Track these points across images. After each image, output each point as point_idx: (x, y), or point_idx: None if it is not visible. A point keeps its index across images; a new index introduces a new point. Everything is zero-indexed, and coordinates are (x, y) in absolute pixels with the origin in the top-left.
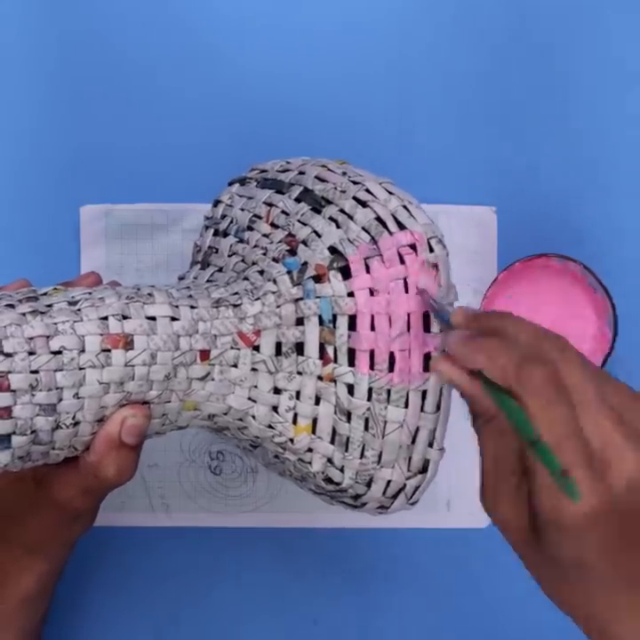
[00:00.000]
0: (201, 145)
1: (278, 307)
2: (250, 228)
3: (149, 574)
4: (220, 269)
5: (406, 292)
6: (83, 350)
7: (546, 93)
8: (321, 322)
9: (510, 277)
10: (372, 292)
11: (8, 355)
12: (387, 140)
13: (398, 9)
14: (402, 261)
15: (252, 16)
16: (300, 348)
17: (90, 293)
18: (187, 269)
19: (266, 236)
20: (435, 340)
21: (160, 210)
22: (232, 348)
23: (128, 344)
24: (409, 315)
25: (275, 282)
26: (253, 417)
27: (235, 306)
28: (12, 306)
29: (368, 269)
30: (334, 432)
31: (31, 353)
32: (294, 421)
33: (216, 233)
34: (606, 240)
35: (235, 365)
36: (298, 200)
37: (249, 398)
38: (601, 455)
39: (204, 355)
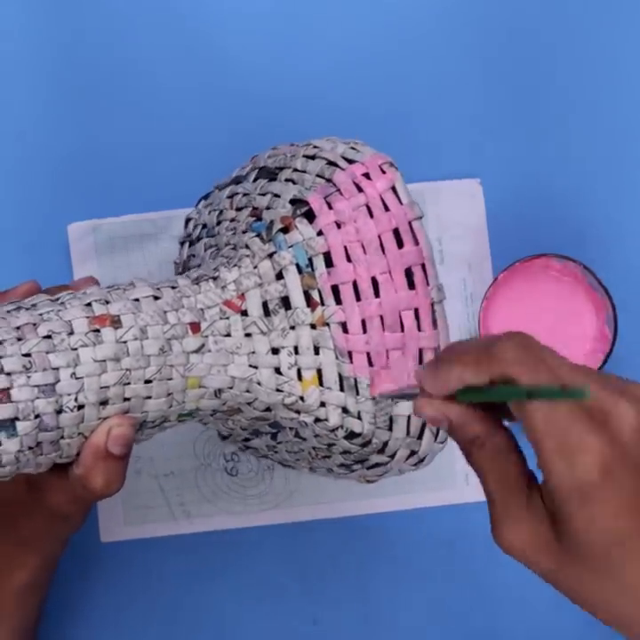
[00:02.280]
0: (181, 150)
1: (255, 267)
2: (218, 223)
3: (150, 577)
4: (199, 266)
5: (371, 216)
6: (71, 332)
7: (546, 93)
8: (299, 269)
9: (510, 277)
10: (339, 225)
11: None
12: (384, 136)
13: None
14: (360, 190)
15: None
16: (286, 302)
17: (72, 293)
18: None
19: (233, 220)
20: (409, 255)
21: (147, 219)
22: (221, 318)
23: (115, 322)
24: (380, 236)
25: (247, 246)
26: (259, 383)
27: (214, 278)
28: None
29: (330, 206)
30: (341, 378)
31: (19, 339)
32: (300, 377)
33: (191, 244)
34: (606, 240)
35: (228, 334)
36: (255, 179)
37: (250, 365)
38: (596, 409)
39: (195, 327)
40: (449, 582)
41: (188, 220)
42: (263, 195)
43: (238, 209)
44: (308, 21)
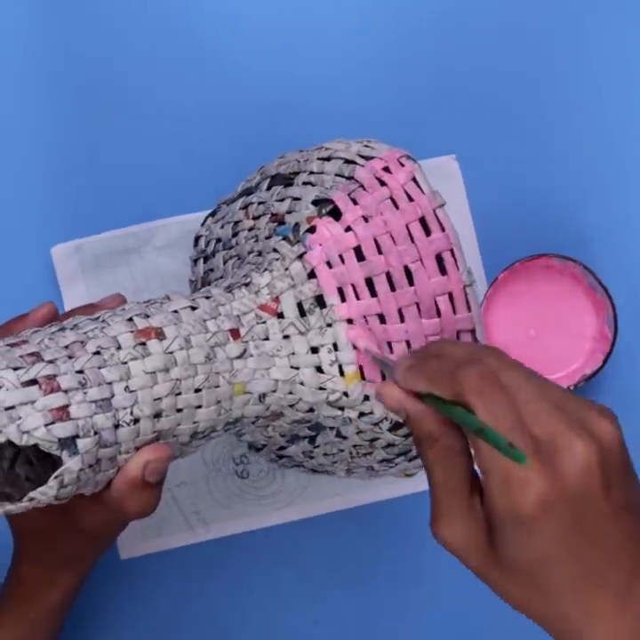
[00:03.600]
0: (158, 162)
1: (286, 269)
2: (235, 235)
3: (149, 582)
4: (221, 278)
5: (397, 208)
6: (119, 347)
7: (547, 93)
8: (330, 267)
9: (510, 277)
10: (366, 220)
11: (50, 362)
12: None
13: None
14: (382, 183)
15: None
16: (320, 301)
17: (110, 311)
18: (168, 287)
19: (251, 229)
20: (438, 241)
21: (129, 233)
22: (258, 322)
23: (159, 334)
24: (407, 226)
25: (275, 250)
26: (301, 383)
27: (246, 285)
28: (37, 331)
29: (355, 202)
30: (382, 373)
31: (70, 357)
32: (341, 373)
33: (205, 259)
34: (607, 240)
35: (267, 338)
36: (269, 187)
37: (291, 366)
38: (548, 446)
39: (235, 333)
40: (449, 582)
41: (197, 238)
42: (281, 200)
43: (255, 217)
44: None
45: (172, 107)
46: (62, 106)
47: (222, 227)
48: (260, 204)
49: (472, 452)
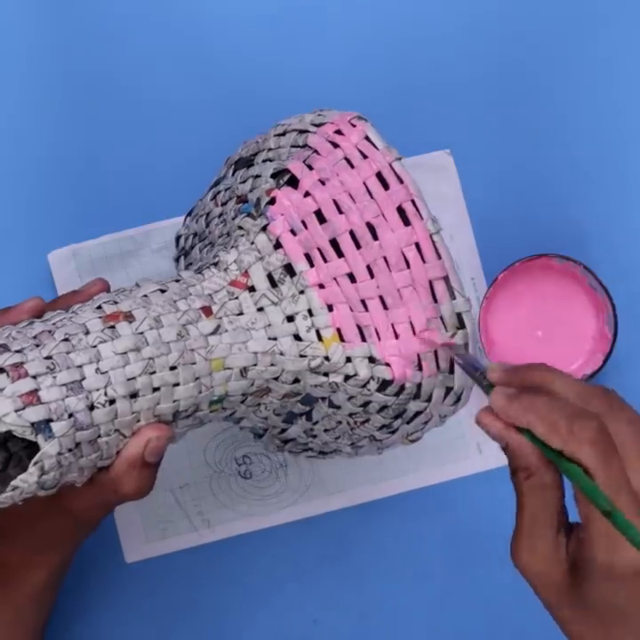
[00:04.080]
0: (153, 164)
1: (252, 243)
2: (208, 225)
3: (152, 584)
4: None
5: (352, 167)
6: (87, 332)
7: (546, 89)
8: (294, 233)
9: (510, 277)
10: (323, 183)
11: (17, 351)
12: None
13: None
14: (335, 146)
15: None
16: (290, 269)
17: (81, 303)
18: None
19: (220, 215)
20: (397, 194)
21: (125, 237)
22: (230, 298)
23: (128, 317)
24: (365, 183)
25: (240, 228)
26: (281, 353)
27: (214, 264)
28: (7, 327)
29: (310, 167)
30: (359, 329)
31: (37, 345)
32: (320, 338)
33: (186, 255)
34: (607, 240)
35: (240, 313)
36: (234, 173)
37: (269, 338)
38: None
39: (207, 310)
40: (449, 581)
41: (178, 238)
42: (244, 182)
43: (223, 204)
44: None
45: (167, 109)
46: (58, 111)
47: (197, 221)
48: (226, 190)
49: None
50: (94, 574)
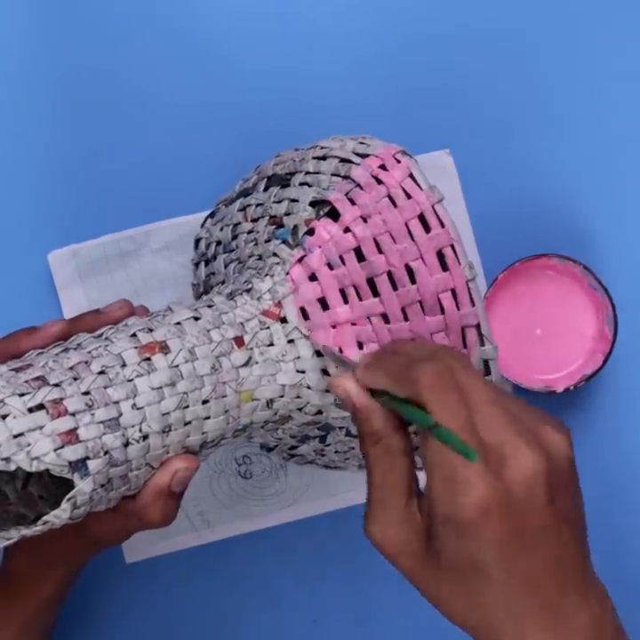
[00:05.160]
0: (153, 164)
1: (287, 273)
2: (234, 237)
3: (152, 584)
4: (223, 282)
5: (395, 206)
6: (124, 364)
7: (545, 89)
8: (331, 268)
9: (510, 277)
10: (365, 220)
11: (56, 385)
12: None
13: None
14: (379, 182)
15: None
16: (324, 303)
17: (112, 327)
18: (166, 291)
19: (250, 232)
20: (438, 237)
21: (125, 237)
22: (262, 328)
23: (164, 348)
24: (407, 224)
25: (275, 254)
26: (308, 387)
27: (247, 291)
28: (41, 353)
29: (352, 202)
30: None
31: (76, 378)
32: None
33: (207, 263)
34: (607, 240)
35: (271, 344)
36: (266, 188)
37: (297, 371)
38: (496, 451)
39: (239, 341)
40: None
41: (197, 241)
42: (279, 202)
43: (254, 220)
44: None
45: (166, 107)
46: (58, 110)
47: (221, 229)
48: (257, 205)
49: (418, 455)
50: (95, 574)
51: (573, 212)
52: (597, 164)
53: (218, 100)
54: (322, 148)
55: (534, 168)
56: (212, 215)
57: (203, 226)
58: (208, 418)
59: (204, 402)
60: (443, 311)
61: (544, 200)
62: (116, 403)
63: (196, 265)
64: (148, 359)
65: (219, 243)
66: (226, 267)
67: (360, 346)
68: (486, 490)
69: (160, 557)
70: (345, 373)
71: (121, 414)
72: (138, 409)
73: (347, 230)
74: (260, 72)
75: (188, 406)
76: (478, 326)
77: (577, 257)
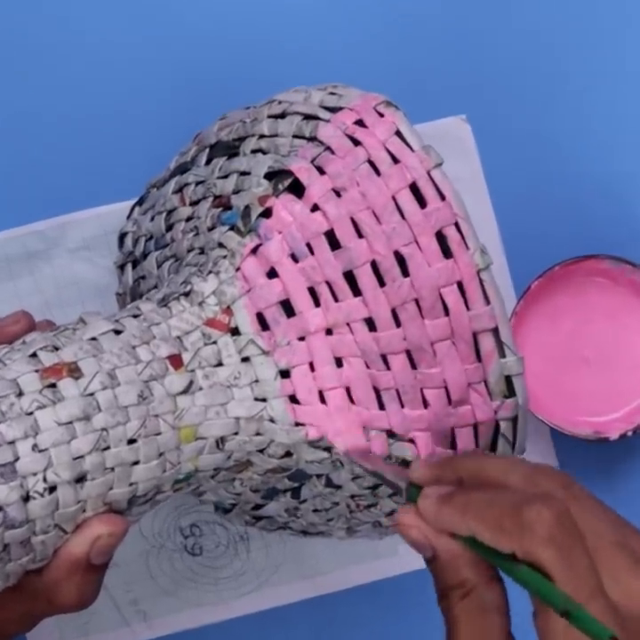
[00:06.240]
0: (66, 142)
1: (237, 269)
2: (169, 228)
3: None
4: (156, 286)
5: (378, 174)
6: (20, 393)
7: (582, 47)
8: (296, 259)
9: (548, 287)
10: (338, 194)
11: None
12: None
13: None
14: (356, 143)
15: None
16: (288, 307)
17: (6, 346)
18: (87, 303)
19: (189, 219)
20: (437, 214)
21: (33, 232)
22: (206, 343)
23: (74, 371)
24: (394, 198)
25: (221, 245)
26: (271, 420)
27: (186, 294)
28: None
29: (321, 171)
30: (378, 392)
31: None
32: (323, 401)
33: (134, 264)
34: None
35: (219, 363)
36: (208, 161)
37: (256, 398)
38: (627, 612)
39: (176, 360)
40: None
41: (122, 236)
42: (225, 177)
43: (193, 203)
44: None
45: (85, 68)
46: None
47: (152, 219)
48: (197, 184)
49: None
50: None
51: (628, 198)
52: None
53: (154, 57)
54: (279, 102)
55: (575, 142)
56: (140, 202)
57: (129, 217)
58: (137, 463)
59: (131, 441)
60: (447, 312)
61: (589, 183)
62: (11, 443)
63: (121, 268)
64: (53, 385)
65: (150, 237)
66: (159, 267)
67: (338, 362)
68: None
69: None
70: (410, 509)
71: (18, 458)
72: (40, 451)
73: (315, 208)
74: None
75: (108, 447)
76: (496, 331)
77: (635, 259)
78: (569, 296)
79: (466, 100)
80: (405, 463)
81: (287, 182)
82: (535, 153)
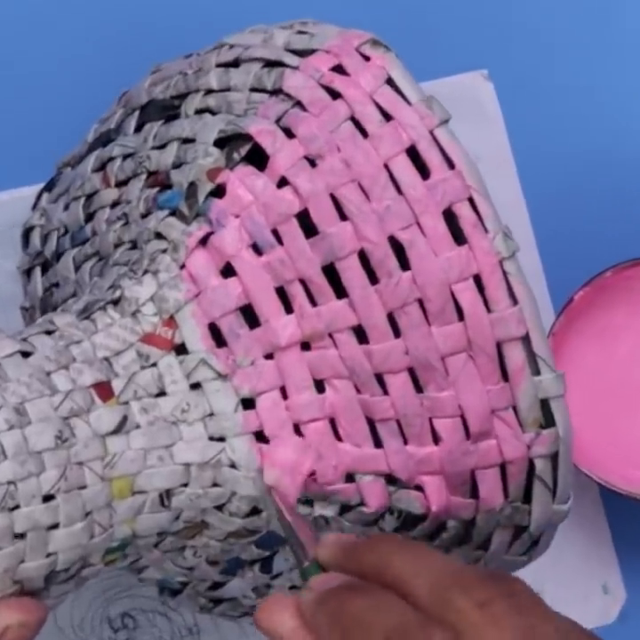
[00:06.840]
0: None
1: (182, 266)
2: (89, 218)
3: None
4: (74, 294)
5: (365, 136)
6: None
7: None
8: (259, 252)
9: (596, 299)
10: (313, 163)
11: None
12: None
13: None
14: (334, 95)
15: None
16: (250, 316)
17: None
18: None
19: (116, 204)
20: (444, 186)
21: None
22: (143, 366)
23: None
24: (387, 165)
25: (159, 235)
26: (233, 465)
27: (114, 302)
28: None
29: (290, 133)
30: (371, 423)
31: None
32: (299, 433)
33: (45, 268)
34: None
35: (161, 392)
36: (139, 127)
37: (211, 437)
38: None
39: (104, 390)
40: None
41: (27, 232)
42: (161, 147)
43: (120, 183)
44: None
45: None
46: None
47: (67, 207)
48: (125, 158)
49: None
50: None
51: None
52: None
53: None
54: (231, 47)
55: (619, 101)
56: (49, 187)
57: (35, 206)
58: (55, 526)
59: (47, 498)
60: (461, 316)
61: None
62: None
63: (27, 273)
64: None
65: (64, 232)
66: (77, 269)
67: (319, 386)
68: None
69: None
70: (277, 598)
71: None
72: None
73: (282, 183)
74: None
75: (17, 506)
76: (527, 339)
77: None
78: (624, 311)
79: (487, 51)
80: (414, 519)
81: (244, 150)
82: (579, 123)
